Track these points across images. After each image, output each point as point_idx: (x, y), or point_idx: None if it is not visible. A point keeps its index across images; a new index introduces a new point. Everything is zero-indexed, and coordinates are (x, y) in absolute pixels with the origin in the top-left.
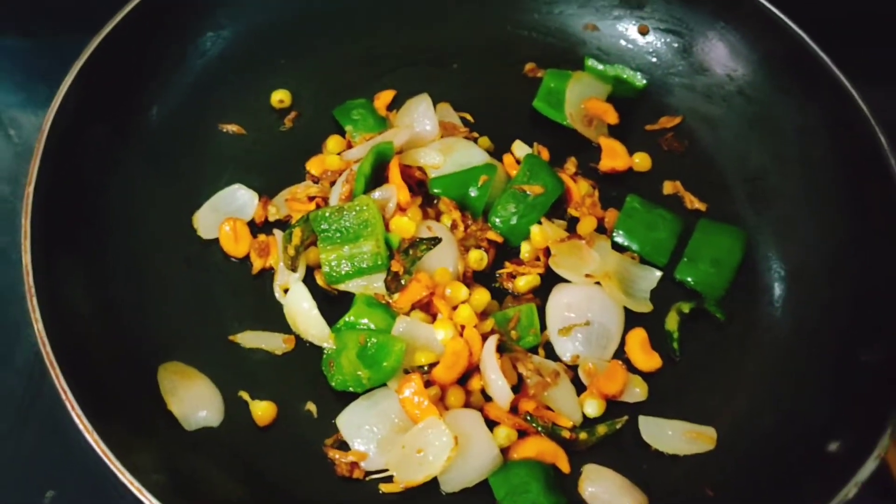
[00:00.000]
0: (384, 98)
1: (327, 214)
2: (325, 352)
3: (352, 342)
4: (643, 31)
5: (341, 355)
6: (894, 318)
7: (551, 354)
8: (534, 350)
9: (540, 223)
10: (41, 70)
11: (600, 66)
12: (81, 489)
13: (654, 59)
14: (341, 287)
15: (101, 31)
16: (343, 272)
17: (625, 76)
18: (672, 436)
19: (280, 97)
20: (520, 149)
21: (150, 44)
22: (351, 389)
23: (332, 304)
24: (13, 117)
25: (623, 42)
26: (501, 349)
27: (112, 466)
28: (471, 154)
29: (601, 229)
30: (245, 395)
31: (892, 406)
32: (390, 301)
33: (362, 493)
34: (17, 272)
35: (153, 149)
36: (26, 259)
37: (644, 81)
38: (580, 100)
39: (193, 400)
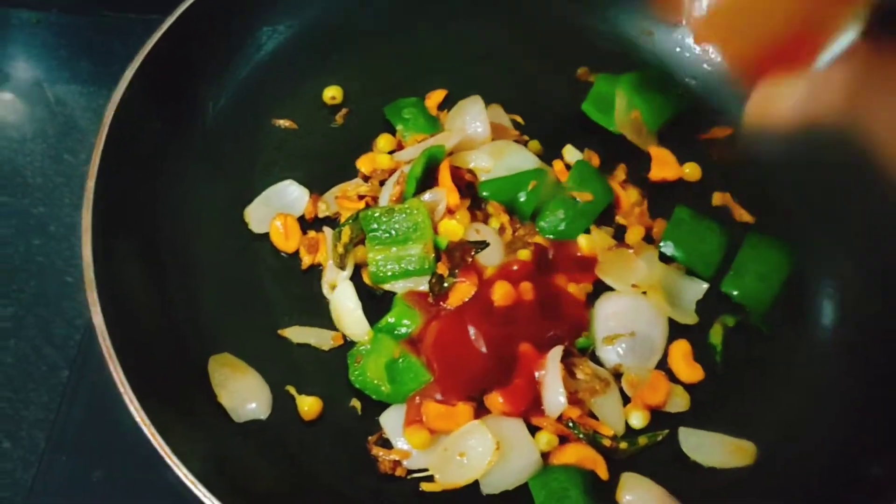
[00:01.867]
0: (436, 97)
1: (377, 215)
2: (358, 345)
3: (386, 350)
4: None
5: (371, 357)
6: None
7: (595, 363)
8: (585, 352)
9: (588, 230)
10: (85, 46)
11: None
12: (128, 470)
13: (708, 68)
14: (386, 287)
15: (159, 28)
16: (389, 273)
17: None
18: (711, 448)
19: (332, 94)
20: (570, 154)
21: (207, 39)
22: (366, 392)
23: (379, 302)
24: (57, 93)
25: (678, 49)
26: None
27: (161, 451)
28: (521, 158)
29: (649, 239)
30: (292, 390)
31: None
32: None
33: (403, 491)
34: (56, 245)
35: (207, 143)
36: (86, 252)
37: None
38: (631, 107)
39: (243, 392)
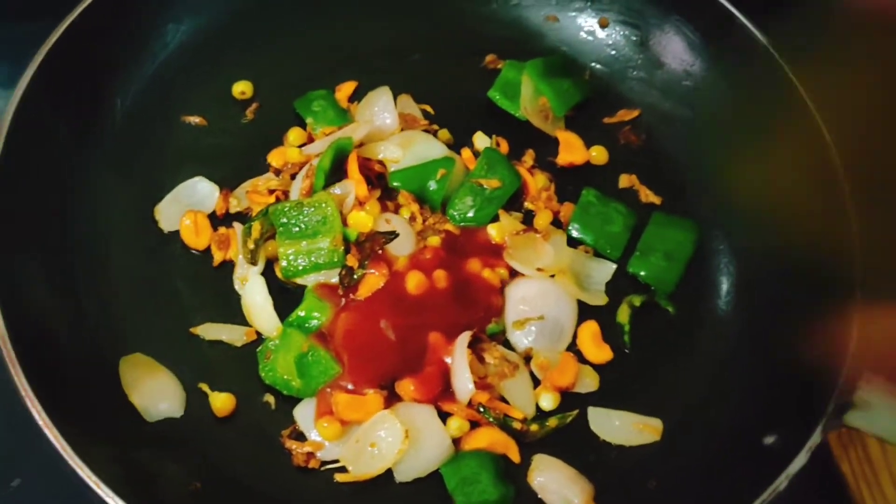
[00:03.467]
0: (345, 90)
1: (287, 209)
2: (267, 340)
3: (295, 344)
4: (603, 24)
5: (280, 353)
6: (835, 318)
7: (508, 348)
8: (497, 338)
9: (497, 217)
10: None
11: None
12: (47, 478)
13: (613, 52)
14: (298, 281)
15: (59, 26)
16: (300, 266)
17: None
18: (619, 427)
19: (241, 88)
20: (480, 140)
21: (109, 38)
22: (277, 388)
23: (293, 296)
24: None
25: (583, 34)
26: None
27: (68, 458)
28: (430, 147)
29: (557, 223)
30: (205, 387)
31: (826, 402)
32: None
33: (318, 483)
34: None
35: (115, 142)
36: None
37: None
38: (536, 94)
39: (154, 392)
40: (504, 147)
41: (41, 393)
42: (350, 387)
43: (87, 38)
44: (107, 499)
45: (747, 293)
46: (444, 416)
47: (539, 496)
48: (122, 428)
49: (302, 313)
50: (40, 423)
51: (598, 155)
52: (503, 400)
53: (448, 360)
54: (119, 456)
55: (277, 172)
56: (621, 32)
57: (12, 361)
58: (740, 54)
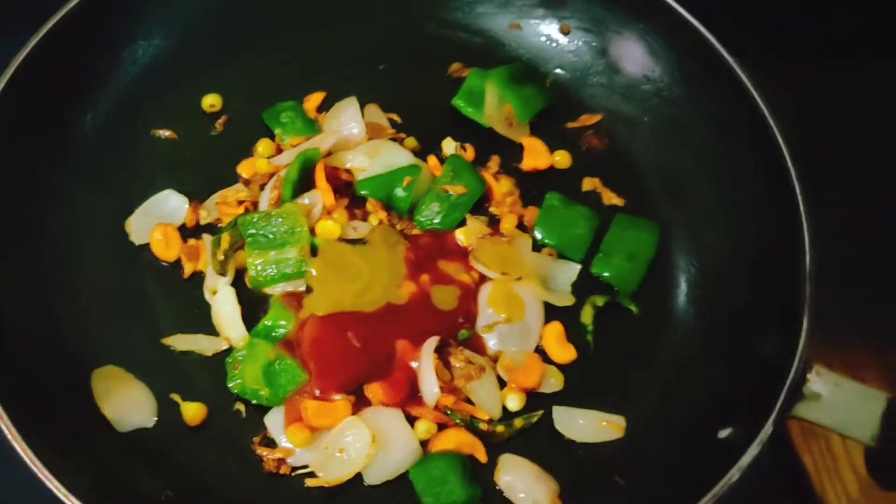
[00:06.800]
0: (314, 100)
1: (255, 220)
2: (234, 351)
3: (261, 354)
4: (565, 31)
5: (247, 363)
6: (784, 315)
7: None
8: (466, 343)
9: (464, 222)
10: None
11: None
12: (17, 490)
13: (575, 59)
14: (266, 290)
15: (28, 42)
16: (268, 276)
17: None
18: (583, 425)
19: (211, 101)
20: (449, 146)
21: (80, 54)
22: (245, 398)
23: (263, 306)
24: None
25: (545, 41)
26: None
27: (37, 471)
28: (396, 156)
29: (522, 227)
30: (176, 397)
31: (776, 395)
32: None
33: (289, 489)
34: None
35: (86, 156)
36: None
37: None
38: (500, 101)
39: (126, 403)
40: (470, 153)
41: (10, 406)
42: (318, 393)
43: (57, 53)
44: None
45: (706, 292)
46: (412, 420)
47: (505, 495)
48: (93, 439)
49: (268, 322)
50: (9, 435)
51: (562, 159)
52: (469, 402)
53: (414, 364)
54: (90, 467)
55: (247, 183)
56: (583, 39)
57: None
58: (697, 60)
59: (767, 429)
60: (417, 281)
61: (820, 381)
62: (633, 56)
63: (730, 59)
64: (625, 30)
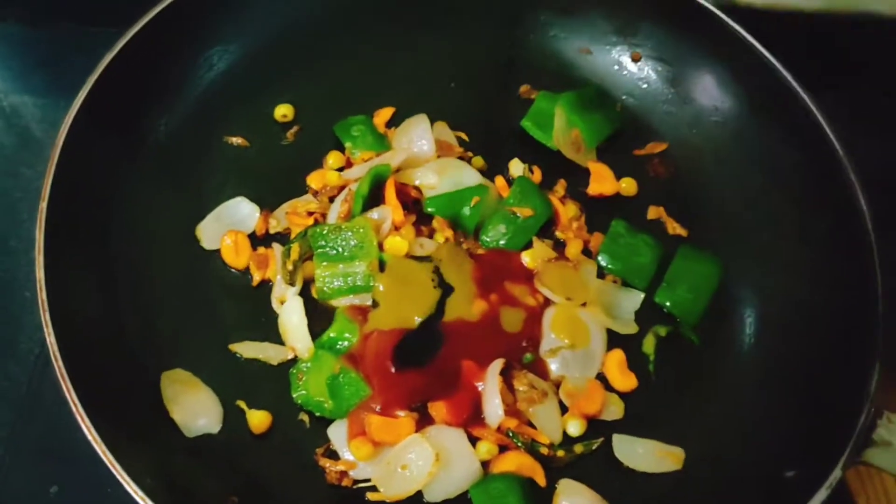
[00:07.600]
0: (383, 115)
1: (325, 232)
2: (299, 362)
3: (326, 366)
4: (636, 59)
5: (312, 374)
6: (856, 358)
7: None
8: (529, 366)
9: (530, 244)
10: (40, 58)
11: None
12: (85, 486)
13: (645, 86)
14: (333, 302)
15: (112, 47)
16: (335, 288)
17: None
18: (643, 454)
19: (283, 111)
20: (516, 167)
21: (161, 59)
22: (309, 409)
23: (328, 317)
24: (13, 104)
25: (616, 67)
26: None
27: (112, 468)
28: (465, 174)
29: (587, 252)
30: (242, 404)
31: (847, 439)
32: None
33: (350, 501)
34: (16, 260)
35: (160, 161)
36: (39, 274)
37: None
38: (568, 125)
39: (194, 408)
40: (537, 176)
41: (87, 404)
42: (379, 409)
43: (136, 60)
44: None
45: (770, 329)
46: (473, 440)
47: None
48: (161, 441)
49: (332, 334)
50: (86, 432)
51: (628, 186)
52: (531, 425)
53: (479, 385)
54: (158, 468)
55: (316, 194)
56: (653, 67)
57: (62, 373)
58: (771, 96)
59: (836, 473)
60: (488, 300)
61: (890, 427)
62: (704, 86)
63: (805, 98)
64: (696, 60)
